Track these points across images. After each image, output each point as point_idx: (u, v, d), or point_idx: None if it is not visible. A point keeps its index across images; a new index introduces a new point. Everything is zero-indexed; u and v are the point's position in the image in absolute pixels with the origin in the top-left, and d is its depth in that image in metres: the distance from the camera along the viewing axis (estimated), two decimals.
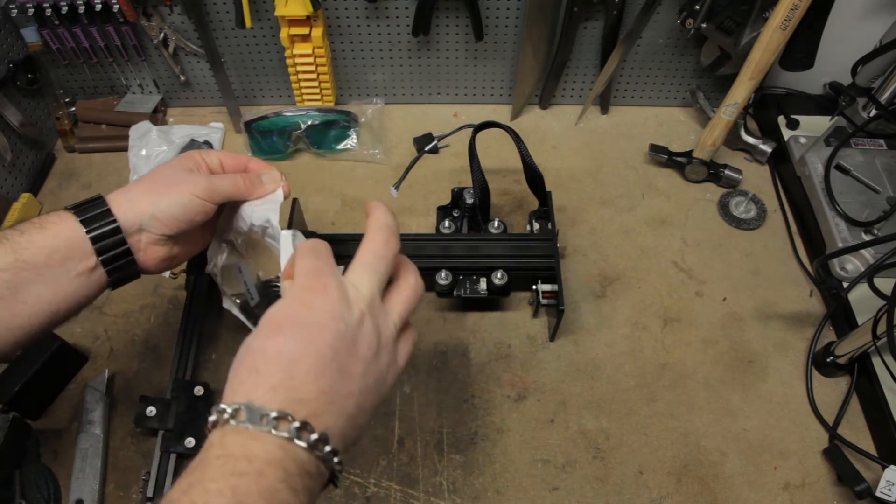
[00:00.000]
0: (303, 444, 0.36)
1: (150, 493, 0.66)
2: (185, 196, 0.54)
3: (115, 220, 0.52)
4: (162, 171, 0.56)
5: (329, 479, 0.39)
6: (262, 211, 0.59)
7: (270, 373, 0.38)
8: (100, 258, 0.52)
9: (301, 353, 0.38)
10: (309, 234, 0.83)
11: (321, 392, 0.38)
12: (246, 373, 0.39)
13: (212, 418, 0.38)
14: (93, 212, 0.53)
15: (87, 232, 0.51)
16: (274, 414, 0.36)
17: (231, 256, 0.64)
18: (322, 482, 0.39)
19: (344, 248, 0.79)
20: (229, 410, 0.37)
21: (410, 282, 0.47)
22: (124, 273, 0.55)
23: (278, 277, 0.62)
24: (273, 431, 0.36)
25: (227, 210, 0.62)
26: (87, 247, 0.51)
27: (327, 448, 0.37)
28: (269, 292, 0.66)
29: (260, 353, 0.39)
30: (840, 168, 0.90)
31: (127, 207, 0.53)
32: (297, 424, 0.36)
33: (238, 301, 0.67)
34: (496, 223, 0.82)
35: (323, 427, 0.37)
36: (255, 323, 0.65)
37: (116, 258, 0.53)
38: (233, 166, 0.60)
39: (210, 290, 0.82)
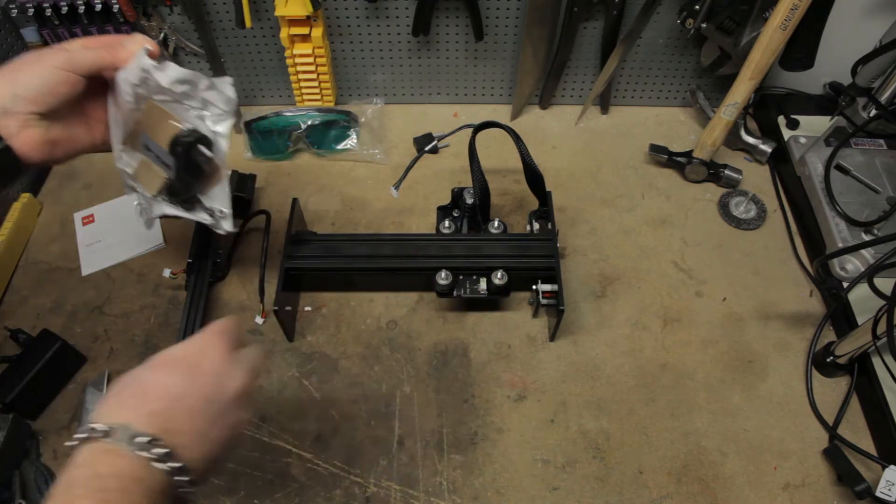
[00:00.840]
0: (165, 467, 0.40)
1: None
2: (45, 69, 0.53)
3: None
4: (19, 57, 0.54)
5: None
6: (132, 67, 0.56)
7: (154, 399, 0.42)
8: None
9: (186, 391, 0.43)
10: (309, 234, 0.84)
11: (193, 429, 0.42)
12: (130, 397, 0.42)
13: (81, 436, 0.40)
14: None
15: None
16: (147, 438, 0.39)
17: (136, 153, 0.62)
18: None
19: (344, 247, 0.79)
20: (101, 429, 0.39)
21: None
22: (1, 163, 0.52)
23: (183, 132, 0.59)
24: (143, 453, 0.39)
25: (112, 106, 0.60)
26: None
27: (186, 478, 0.41)
28: (177, 150, 0.60)
29: (151, 383, 0.43)
30: (840, 168, 0.90)
31: None
32: (164, 451, 0.40)
33: (166, 198, 0.64)
34: (496, 223, 0.82)
35: (186, 459, 0.41)
36: (189, 210, 0.65)
37: None
38: (94, 46, 0.57)
39: (210, 290, 0.82)
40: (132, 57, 0.56)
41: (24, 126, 0.53)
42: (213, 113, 0.61)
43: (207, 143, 0.60)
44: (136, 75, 0.56)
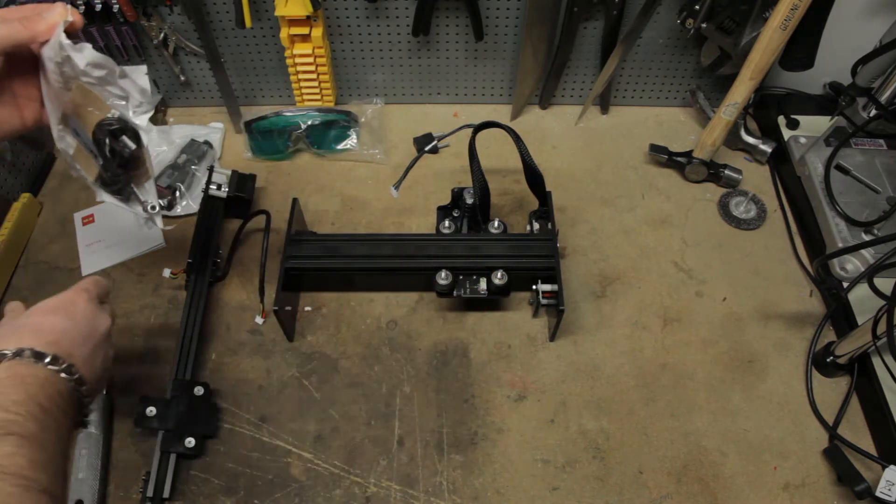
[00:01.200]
0: (67, 376, 0.51)
1: (149, 493, 0.66)
2: None
3: None
4: None
5: (81, 405, 0.53)
6: (54, 43, 0.52)
7: (47, 333, 0.52)
8: None
9: (69, 328, 0.54)
10: (309, 234, 0.84)
11: (80, 354, 0.54)
12: (27, 332, 0.52)
13: None
14: None
15: None
16: (49, 358, 0.50)
17: (71, 135, 0.59)
18: (74, 408, 0.52)
19: (344, 247, 0.79)
20: (11, 351, 0.49)
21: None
22: None
23: (106, 119, 0.57)
24: (52, 366, 0.50)
25: (44, 84, 0.56)
26: None
27: (83, 387, 0.53)
28: (99, 138, 0.59)
29: (44, 323, 0.53)
30: (840, 168, 0.90)
31: None
32: (65, 365, 0.51)
33: (103, 184, 0.63)
34: (496, 223, 0.82)
35: (81, 374, 0.52)
36: (125, 201, 0.64)
37: None
38: (13, 17, 0.53)
39: (210, 290, 0.82)
40: (52, 30, 0.52)
41: None
42: (133, 104, 0.58)
43: (135, 134, 0.58)
44: (58, 53, 0.52)
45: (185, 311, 0.78)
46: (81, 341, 0.55)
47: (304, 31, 0.91)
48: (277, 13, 0.88)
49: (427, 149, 0.93)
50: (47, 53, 0.53)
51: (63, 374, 0.50)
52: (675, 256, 0.88)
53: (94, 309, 0.58)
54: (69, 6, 0.54)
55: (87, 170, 0.62)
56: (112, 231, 0.89)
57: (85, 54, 0.53)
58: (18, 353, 0.49)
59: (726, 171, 0.94)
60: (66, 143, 0.59)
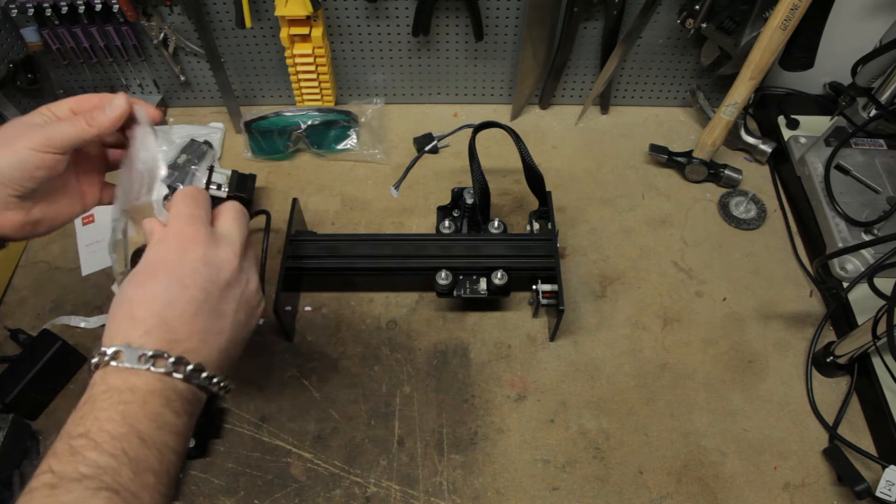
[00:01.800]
0: (179, 376, 0.41)
1: None
2: (20, 152, 0.49)
3: None
4: (3, 130, 0.51)
5: (214, 395, 0.45)
6: (145, 156, 0.52)
7: (145, 318, 0.42)
8: None
9: (174, 297, 0.43)
10: (309, 234, 0.84)
11: (194, 331, 0.43)
12: (123, 320, 0.42)
13: (94, 360, 0.42)
14: None
15: None
16: (150, 353, 0.41)
17: (121, 231, 0.57)
18: (202, 402, 0.44)
19: (344, 247, 0.79)
20: (109, 352, 0.41)
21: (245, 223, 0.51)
22: None
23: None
24: (151, 368, 0.41)
25: (123, 171, 0.55)
26: None
27: (203, 375, 0.43)
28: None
29: (137, 300, 0.43)
30: (840, 168, 0.90)
31: None
32: (172, 360, 0.41)
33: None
34: (496, 223, 0.82)
35: (198, 360, 0.43)
36: None
37: None
38: (84, 109, 0.52)
39: None
40: (117, 123, 0.52)
41: (3, 207, 0.50)
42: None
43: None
44: (149, 163, 0.53)
45: None
46: (193, 311, 0.43)
47: (304, 31, 0.91)
48: (277, 13, 0.88)
49: (427, 149, 0.93)
50: (139, 156, 0.53)
51: (173, 375, 0.41)
52: (675, 256, 0.88)
53: (208, 247, 0.46)
54: (145, 104, 0.54)
55: (118, 262, 0.60)
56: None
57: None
58: (114, 357, 0.41)
59: (726, 171, 0.94)
60: (114, 233, 0.58)
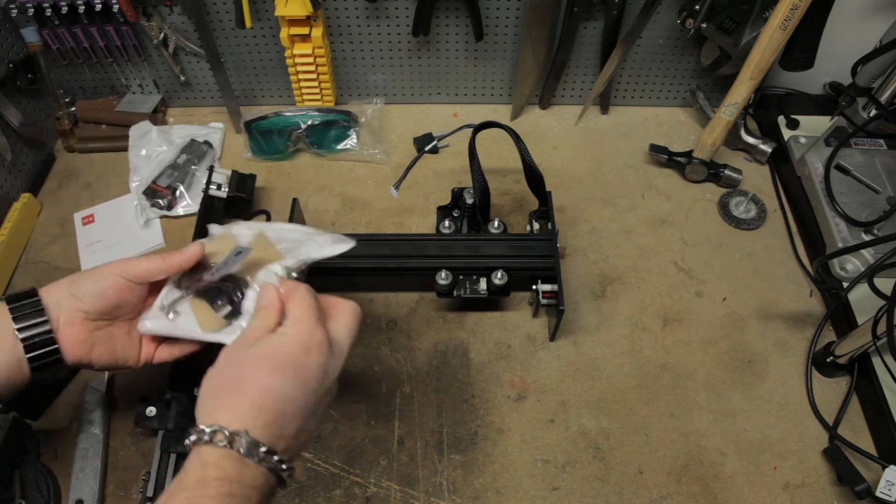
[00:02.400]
0: (282, 474, 0.45)
1: (150, 493, 0.66)
2: (101, 273, 0.57)
3: (43, 313, 0.54)
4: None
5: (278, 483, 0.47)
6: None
7: (269, 410, 0.44)
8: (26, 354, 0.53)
9: (294, 397, 0.46)
10: None
11: (297, 431, 0.46)
12: (249, 404, 0.44)
13: (207, 430, 0.43)
14: (23, 301, 0.54)
15: (18, 329, 0.53)
16: (264, 449, 0.43)
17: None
18: (272, 493, 0.46)
19: None
20: (227, 433, 0.42)
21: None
22: (46, 361, 0.54)
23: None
24: (261, 463, 0.43)
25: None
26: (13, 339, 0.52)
27: (287, 468, 0.46)
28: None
29: (266, 389, 0.45)
30: (840, 168, 0.90)
31: (51, 289, 0.56)
32: (276, 458, 0.44)
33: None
34: (496, 223, 0.82)
35: (290, 456, 0.46)
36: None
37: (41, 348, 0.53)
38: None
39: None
40: (190, 262, 0.59)
41: (69, 321, 0.55)
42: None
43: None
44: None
45: None
46: (304, 412, 0.46)
47: (304, 31, 0.91)
48: (277, 13, 0.88)
49: (427, 149, 0.93)
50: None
51: (272, 470, 0.44)
52: (675, 256, 0.88)
53: (328, 351, 0.49)
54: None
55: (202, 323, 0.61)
56: (112, 231, 0.89)
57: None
58: (231, 440, 0.42)
59: (726, 171, 0.94)
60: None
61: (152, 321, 0.59)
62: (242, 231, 0.62)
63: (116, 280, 0.57)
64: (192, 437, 0.43)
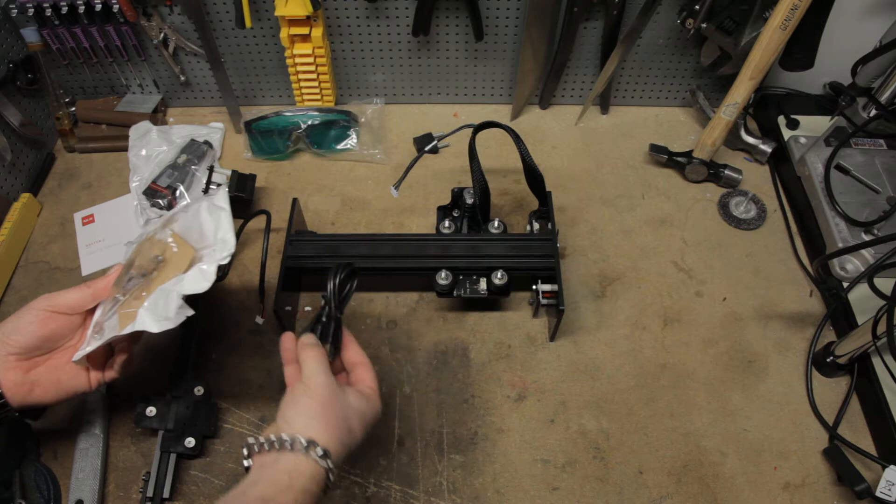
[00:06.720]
0: (331, 473, 0.51)
1: (149, 493, 0.66)
2: (26, 311, 0.58)
3: None
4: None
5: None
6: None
7: (344, 439, 0.53)
8: None
9: (356, 433, 0.55)
10: (309, 234, 0.83)
11: (342, 444, 0.53)
12: (337, 438, 0.52)
13: (302, 443, 0.50)
14: None
15: None
16: (322, 452, 0.50)
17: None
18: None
19: (344, 247, 0.79)
20: (304, 442, 0.50)
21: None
22: None
23: None
24: (325, 463, 0.50)
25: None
26: None
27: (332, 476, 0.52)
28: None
29: (348, 423, 0.54)
30: (840, 168, 0.90)
31: None
32: (330, 463, 0.51)
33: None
34: (496, 223, 0.82)
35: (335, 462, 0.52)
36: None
37: None
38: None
39: (209, 290, 0.82)
40: (112, 283, 0.61)
41: (2, 367, 0.56)
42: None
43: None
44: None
45: None
46: (352, 441, 0.55)
47: (304, 31, 0.91)
48: (277, 13, 0.88)
49: (427, 149, 0.93)
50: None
51: (327, 469, 0.51)
52: (675, 256, 0.88)
53: (376, 412, 0.58)
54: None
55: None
56: (112, 231, 0.89)
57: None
58: (325, 455, 0.50)
59: (726, 171, 0.94)
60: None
61: (82, 348, 0.59)
62: (160, 233, 0.63)
63: (39, 315, 0.58)
64: (292, 445, 0.50)
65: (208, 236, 0.62)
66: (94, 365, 0.62)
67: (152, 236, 0.63)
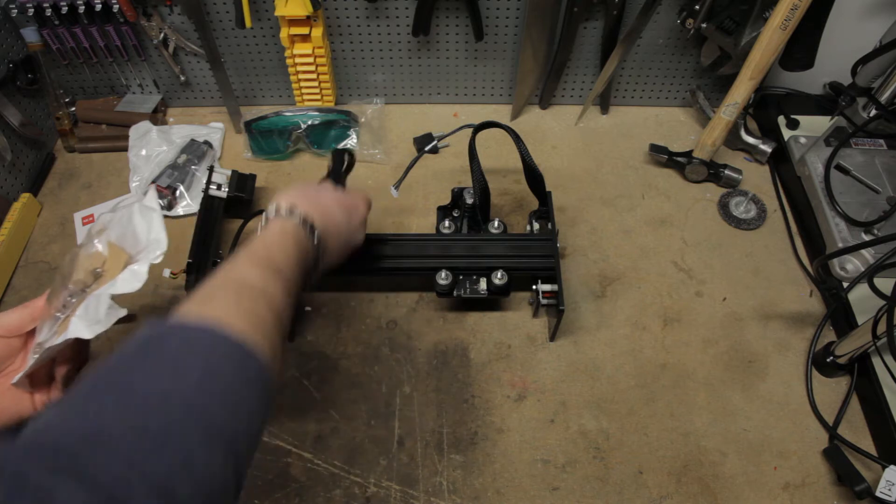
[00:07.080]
0: (314, 241, 0.60)
1: None
2: None
3: None
4: None
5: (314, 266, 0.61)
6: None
7: (322, 213, 0.61)
8: None
9: (340, 220, 0.64)
10: None
11: (335, 234, 0.63)
12: (312, 203, 0.61)
13: (271, 214, 0.59)
14: None
15: None
16: (311, 224, 0.59)
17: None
18: (313, 261, 0.60)
19: None
20: (298, 215, 0.59)
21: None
22: None
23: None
24: (309, 232, 0.59)
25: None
26: None
27: (316, 233, 0.60)
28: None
29: (324, 202, 0.63)
30: (840, 168, 0.90)
31: None
32: (317, 233, 0.59)
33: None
34: (496, 223, 0.82)
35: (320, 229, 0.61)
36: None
37: None
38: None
39: None
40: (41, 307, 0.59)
41: None
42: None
43: None
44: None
45: None
46: (341, 232, 0.64)
47: (304, 31, 0.91)
48: (277, 13, 0.88)
49: (427, 149, 0.93)
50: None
51: (308, 233, 0.59)
52: (675, 256, 0.88)
53: (364, 213, 0.71)
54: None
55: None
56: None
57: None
58: (290, 212, 0.58)
59: (726, 171, 0.94)
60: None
61: (23, 370, 0.58)
62: (94, 243, 0.62)
63: None
64: (277, 209, 0.59)
65: (142, 239, 0.61)
66: (37, 386, 0.59)
67: (89, 249, 0.62)
